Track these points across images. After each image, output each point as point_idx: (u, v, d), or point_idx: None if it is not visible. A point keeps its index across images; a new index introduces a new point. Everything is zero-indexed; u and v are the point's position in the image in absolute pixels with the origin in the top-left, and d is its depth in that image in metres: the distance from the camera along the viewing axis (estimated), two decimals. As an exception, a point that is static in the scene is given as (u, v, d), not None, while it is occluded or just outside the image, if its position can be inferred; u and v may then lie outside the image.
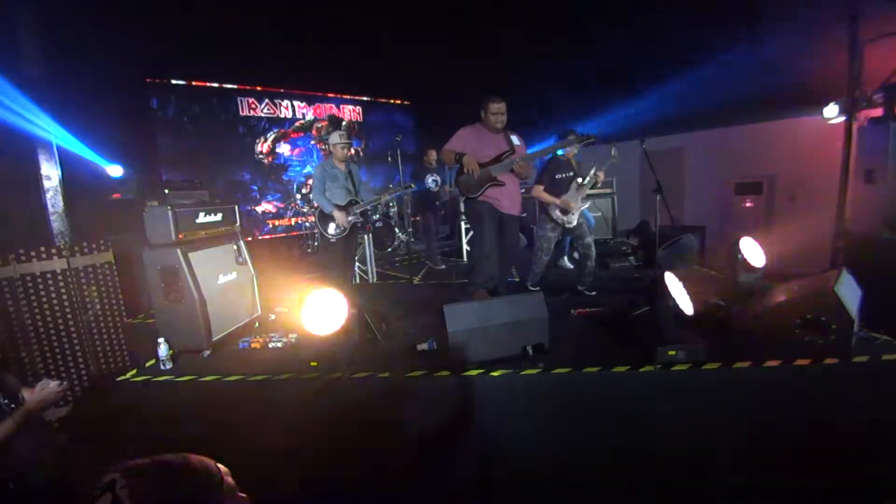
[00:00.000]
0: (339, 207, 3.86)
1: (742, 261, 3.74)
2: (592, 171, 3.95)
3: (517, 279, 4.92)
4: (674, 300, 2.85)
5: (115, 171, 5.29)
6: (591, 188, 4.06)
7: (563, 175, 4.04)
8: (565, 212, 3.99)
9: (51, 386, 1.78)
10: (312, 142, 7.83)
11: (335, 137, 3.98)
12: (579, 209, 4.04)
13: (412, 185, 4.56)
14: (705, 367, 2.63)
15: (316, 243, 3.85)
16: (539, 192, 4.05)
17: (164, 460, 0.73)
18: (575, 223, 4.06)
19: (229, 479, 0.77)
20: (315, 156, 7.80)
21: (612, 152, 3.93)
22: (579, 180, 3.99)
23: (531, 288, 4.20)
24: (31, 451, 1.77)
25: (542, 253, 4.21)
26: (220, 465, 0.78)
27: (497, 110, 3.41)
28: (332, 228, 3.90)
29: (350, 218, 3.91)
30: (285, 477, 1.88)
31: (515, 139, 3.51)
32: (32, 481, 1.71)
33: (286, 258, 6.81)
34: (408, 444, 2.10)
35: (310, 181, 6.35)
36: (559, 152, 4.09)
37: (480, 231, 3.53)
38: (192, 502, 0.70)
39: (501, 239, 3.54)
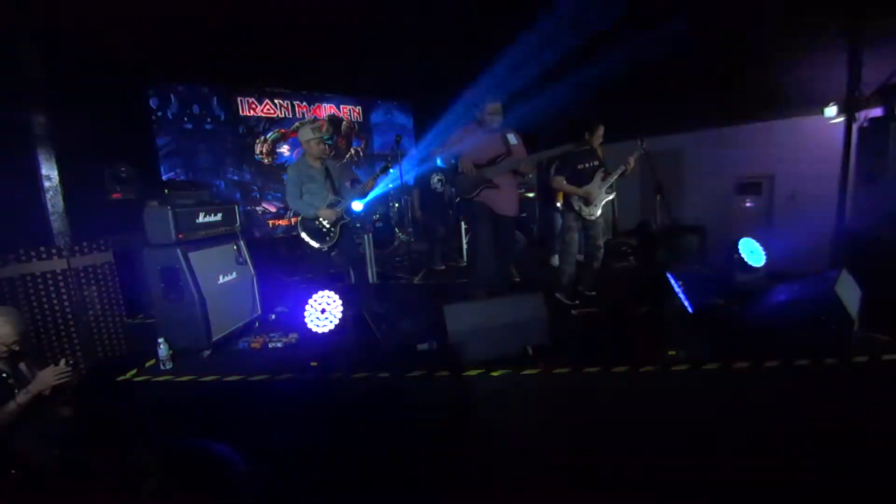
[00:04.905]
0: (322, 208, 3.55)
1: (739, 261, 3.71)
2: (624, 167, 3.81)
3: (517, 279, 4.92)
4: (678, 300, 2.85)
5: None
6: (620, 176, 3.89)
7: (587, 165, 3.85)
8: (588, 203, 3.82)
9: (57, 367, 1.84)
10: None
11: (306, 132, 3.59)
12: (602, 201, 3.88)
13: (389, 166, 4.07)
14: (705, 367, 2.63)
15: (308, 250, 3.70)
16: (560, 182, 3.84)
17: (195, 445, 0.76)
18: (597, 215, 3.88)
19: (249, 481, 0.79)
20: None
21: (641, 143, 3.81)
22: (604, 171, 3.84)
23: (565, 301, 3.91)
24: (34, 440, 1.79)
25: (568, 247, 3.95)
26: (244, 466, 0.79)
27: (494, 111, 3.37)
28: (320, 241, 3.57)
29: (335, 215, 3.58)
30: (285, 477, 1.88)
31: (513, 138, 3.49)
32: (36, 472, 1.72)
33: (286, 258, 6.81)
34: (408, 444, 2.10)
35: None
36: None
37: (477, 232, 3.52)
38: (211, 490, 0.72)
39: (498, 239, 3.53)
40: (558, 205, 4.75)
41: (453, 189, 3.61)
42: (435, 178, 5.68)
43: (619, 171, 3.85)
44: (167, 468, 0.69)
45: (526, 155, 3.57)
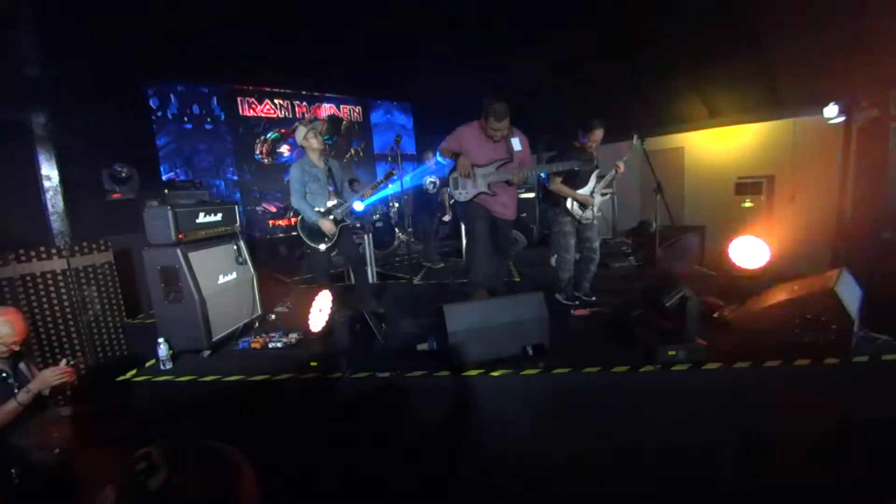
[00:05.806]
0: (323, 215, 3.56)
1: (736, 262, 3.73)
2: (614, 171, 3.83)
3: (517, 279, 4.92)
4: (696, 300, 2.78)
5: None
6: (611, 180, 3.91)
7: (584, 166, 3.76)
8: (583, 206, 3.80)
9: (57, 367, 1.84)
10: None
11: (300, 131, 3.54)
12: (598, 204, 3.86)
13: (394, 172, 4.06)
14: (705, 367, 2.63)
15: (308, 250, 3.72)
16: (558, 185, 3.78)
17: (201, 443, 0.75)
18: (592, 218, 3.86)
19: (254, 482, 0.78)
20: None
21: (634, 141, 3.83)
22: (599, 172, 3.82)
23: (564, 301, 3.92)
24: (34, 440, 1.79)
25: (564, 252, 3.92)
26: (249, 468, 0.79)
27: (497, 128, 3.24)
28: (318, 241, 3.61)
29: (333, 217, 3.60)
30: (286, 477, 1.88)
31: (516, 142, 3.41)
32: (36, 471, 1.73)
33: (286, 258, 6.82)
34: (408, 444, 2.10)
35: None
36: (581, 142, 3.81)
37: (473, 232, 3.49)
38: (216, 488, 0.72)
39: (494, 240, 3.50)
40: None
41: (451, 190, 3.56)
42: (427, 181, 5.68)
43: (610, 175, 3.86)
44: (173, 464, 0.69)
45: (530, 159, 3.53)
